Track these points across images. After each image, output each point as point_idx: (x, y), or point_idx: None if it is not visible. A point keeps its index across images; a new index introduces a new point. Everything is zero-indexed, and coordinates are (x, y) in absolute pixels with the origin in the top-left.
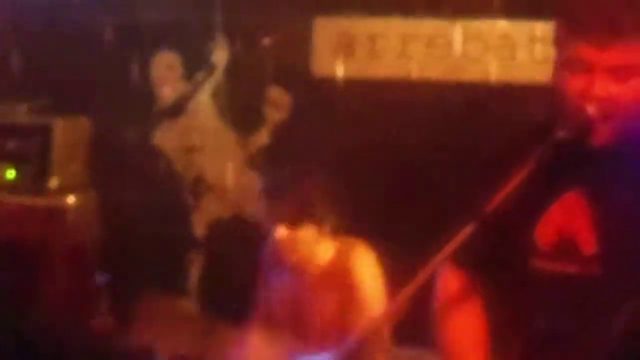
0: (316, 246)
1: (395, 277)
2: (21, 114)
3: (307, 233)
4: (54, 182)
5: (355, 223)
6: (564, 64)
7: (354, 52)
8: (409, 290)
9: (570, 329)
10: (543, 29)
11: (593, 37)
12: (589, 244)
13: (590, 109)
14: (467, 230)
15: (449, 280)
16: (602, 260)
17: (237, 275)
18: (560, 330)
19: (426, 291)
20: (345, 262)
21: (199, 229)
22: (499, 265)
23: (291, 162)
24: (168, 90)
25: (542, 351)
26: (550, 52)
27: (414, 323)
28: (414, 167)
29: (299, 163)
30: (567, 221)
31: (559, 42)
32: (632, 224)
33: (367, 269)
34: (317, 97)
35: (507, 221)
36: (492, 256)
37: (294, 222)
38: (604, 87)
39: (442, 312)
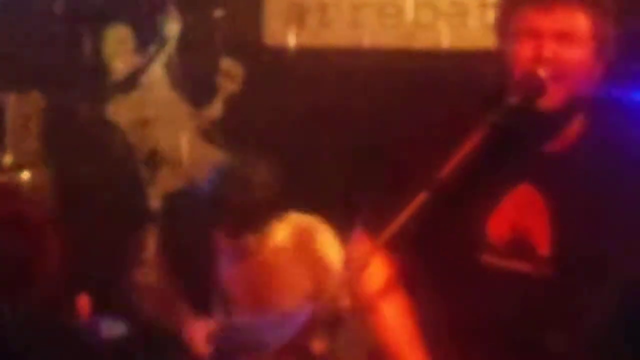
0: (269, 231)
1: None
2: None
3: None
4: (7, 159)
5: (307, 194)
6: (512, 32)
7: (305, 21)
8: (362, 258)
9: (515, 328)
10: None
11: (539, 2)
12: (543, 244)
13: (541, 72)
14: (418, 200)
15: (377, 266)
16: (557, 262)
17: (193, 246)
18: (503, 329)
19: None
20: (308, 240)
21: (155, 201)
22: (443, 253)
23: (243, 136)
24: (120, 64)
25: (482, 351)
26: None
27: None
28: (365, 136)
29: (248, 152)
30: (521, 216)
31: (505, 9)
32: (588, 226)
33: (329, 243)
34: (270, 67)
35: (457, 206)
36: (435, 242)
37: (241, 227)
38: (553, 50)
39: (370, 298)
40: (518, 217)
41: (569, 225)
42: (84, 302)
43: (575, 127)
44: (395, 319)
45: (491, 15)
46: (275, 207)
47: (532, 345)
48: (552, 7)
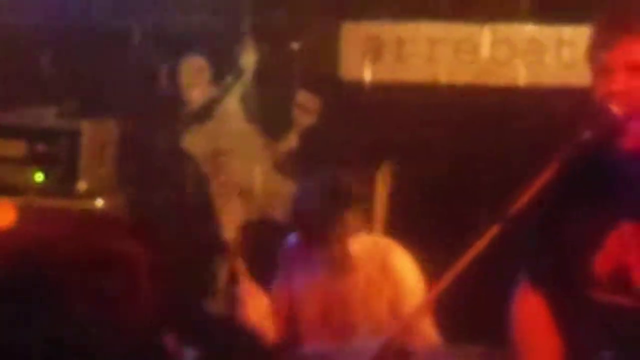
0: (350, 245)
1: (426, 275)
2: (50, 117)
3: (343, 242)
4: (82, 186)
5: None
6: (593, 72)
7: (382, 56)
8: (441, 285)
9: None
10: (570, 32)
11: (605, 37)
12: None
13: (614, 108)
14: (493, 231)
15: (528, 300)
16: None
17: (266, 278)
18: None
19: (458, 287)
20: (385, 262)
21: (229, 232)
22: (562, 291)
23: (320, 167)
24: (196, 94)
25: None
26: (578, 55)
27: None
28: (442, 170)
29: (333, 166)
30: (623, 253)
31: (592, 52)
32: None
33: (407, 266)
34: (346, 101)
35: (559, 240)
36: (559, 279)
37: (327, 230)
38: (623, 83)
39: (522, 331)
40: (620, 252)
41: None
42: (172, 341)
43: None
44: (538, 328)
45: (567, 53)
46: (359, 221)
47: None
48: (620, 39)
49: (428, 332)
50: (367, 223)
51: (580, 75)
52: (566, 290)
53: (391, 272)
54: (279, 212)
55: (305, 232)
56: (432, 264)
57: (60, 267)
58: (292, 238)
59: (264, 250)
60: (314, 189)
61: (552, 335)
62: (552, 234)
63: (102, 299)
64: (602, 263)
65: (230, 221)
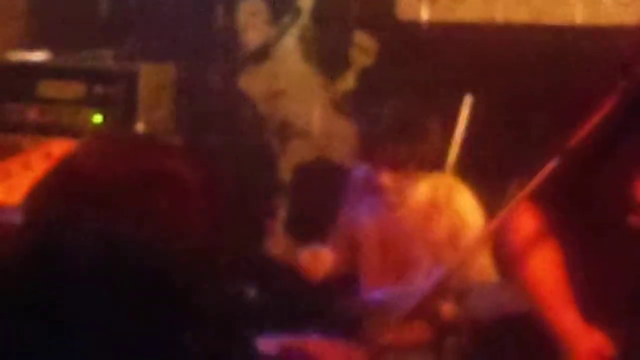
0: (416, 185)
1: (487, 210)
2: (108, 59)
3: (410, 177)
4: (140, 127)
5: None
6: None
7: None
8: (498, 220)
9: None
10: None
11: None
12: None
13: None
14: (551, 165)
15: (526, 219)
16: None
17: (323, 217)
18: None
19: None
20: (448, 199)
21: (285, 173)
22: (594, 212)
23: (378, 106)
24: (254, 35)
25: (631, 313)
26: None
27: None
28: (500, 108)
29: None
30: None
31: None
32: None
33: (468, 204)
34: (402, 41)
35: (608, 169)
36: (586, 201)
37: (399, 164)
38: None
39: (518, 252)
40: None
41: None
42: None
43: None
44: (546, 271)
45: None
46: (429, 155)
47: None
48: None
49: (485, 266)
50: (437, 159)
51: (636, 14)
52: (607, 218)
53: (453, 210)
54: (337, 153)
55: (375, 162)
56: (495, 204)
57: (117, 188)
58: (360, 168)
59: (320, 191)
60: (387, 120)
61: (561, 266)
62: (596, 168)
63: (157, 218)
64: None
65: (287, 162)
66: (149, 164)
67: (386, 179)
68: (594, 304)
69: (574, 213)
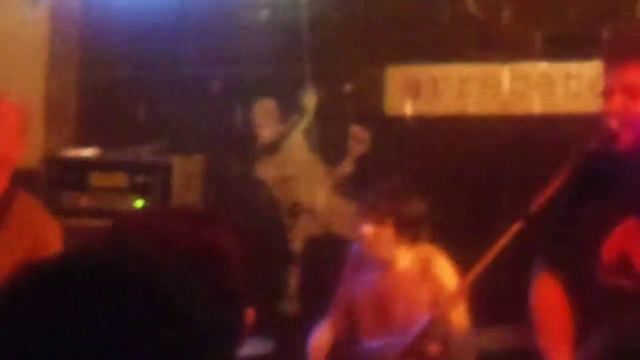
0: (397, 247)
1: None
2: (147, 153)
3: (388, 231)
4: None
5: (430, 233)
6: (602, 97)
7: (420, 93)
8: (471, 277)
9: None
10: (576, 68)
11: (606, 67)
12: None
13: (612, 122)
14: (515, 228)
15: (546, 284)
16: None
17: (330, 282)
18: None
19: (486, 277)
20: (428, 266)
21: (296, 245)
22: (575, 275)
23: (371, 188)
24: (267, 131)
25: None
26: (583, 87)
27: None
28: (473, 187)
29: (389, 181)
30: (627, 242)
31: (603, 75)
32: None
33: (446, 269)
34: (391, 132)
35: (571, 232)
36: (573, 266)
37: (379, 220)
38: (621, 103)
39: (541, 312)
40: (625, 242)
41: None
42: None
43: None
44: (554, 313)
45: (574, 85)
46: (421, 226)
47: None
48: (622, 65)
49: (461, 318)
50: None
51: (585, 104)
52: (579, 274)
53: (433, 274)
54: (339, 227)
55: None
56: (469, 264)
57: (177, 259)
58: (357, 245)
59: (327, 260)
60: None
61: (566, 315)
62: (568, 227)
63: (209, 285)
64: (609, 251)
65: (297, 236)
66: (204, 240)
67: (369, 232)
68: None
69: (571, 274)
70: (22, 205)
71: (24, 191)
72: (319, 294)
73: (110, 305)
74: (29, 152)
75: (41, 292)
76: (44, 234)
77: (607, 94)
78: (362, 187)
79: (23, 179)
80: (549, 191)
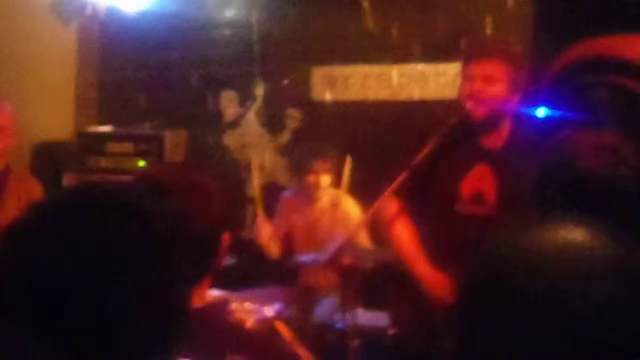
0: (327, 190)
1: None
2: (146, 129)
3: (326, 181)
4: None
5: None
6: (461, 82)
7: (335, 85)
8: (370, 212)
9: (471, 250)
10: (443, 67)
11: (469, 58)
12: (491, 196)
13: (468, 104)
14: (403, 174)
15: (390, 205)
16: (499, 206)
17: (271, 216)
18: (466, 250)
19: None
20: (342, 202)
21: (250, 191)
22: (434, 202)
23: (306, 151)
24: (230, 112)
25: (453, 263)
26: (448, 80)
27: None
28: (372, 149)
29: (317, 146)
30: (480, 181)
31: (462, 66)
32: (514, 186)
33: (352, 206)
34: (316, 113)
35: (440, 177)
36: (430, 195)
37: (318, 171)
38: (477, 87)
39: (387, 225)
40: (478, 182)
41: (505, 186)
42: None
43: (505, 131)
44: (406, 236)
45: (442, 79)
46: (331, 173)
47: None
48: (481, 59)
49: (364, 239)
50: (336, 182)
51: (449, 93)
52: (442, 205)
53: (343, 209)
54: (281, 178)
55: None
56: (365, 200)
57: (176, 192)
58: (287, 191)
59: (271, 200)
60: (306, 152)
61: (416, 237)
62: (434, 174)
63: (194, 209)
64: (466, 188)
65: (253, 184)
66: (193, 178)
67: (310, 188)
68: (437, 258)
69: (420, 203)
70: (15, 178)
71: (12, 169)
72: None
73: (105, 224)
74: (63, 128)
75: (56, 215)
76: (33, 196)
77: (468, 82)
78: (295, 150)
79: (59, 147)
80: (426, 150)
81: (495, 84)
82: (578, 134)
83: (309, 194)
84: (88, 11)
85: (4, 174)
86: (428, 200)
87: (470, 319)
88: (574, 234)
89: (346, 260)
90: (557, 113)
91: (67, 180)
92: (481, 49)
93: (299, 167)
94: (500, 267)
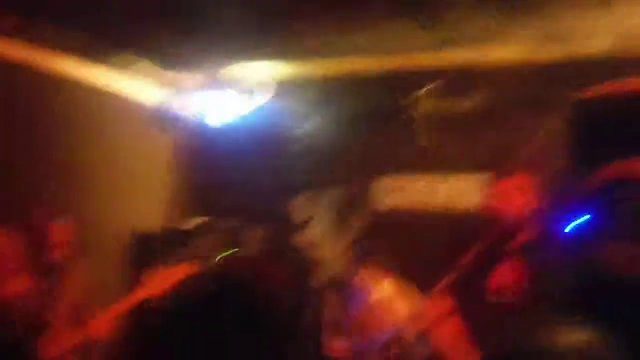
0: (379, 284)
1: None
2: (226, 227)
3: (380, 277)
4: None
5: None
6: (498, 197)
7: (394, 193)
8: (422, 306)
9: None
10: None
11: (501, 175)
12: (514, 290)
13: (506, 217)
14: (452, 274)
15: (440, 302)
16: (524, 296)
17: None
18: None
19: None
20: (395, 294)
21: (316, 284)
22: (471, 297)
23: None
24: (302, 215)
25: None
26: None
27: None
28: (429, 247)
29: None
30: (504, 276)
31: (497, 188)
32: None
33: (406, 299)
34: (379, 218)
35: (475, 274)
36: (468, 291)
37: (372, 271)
38: (513, 200)
39: (434, 322)
40: (502, 276)
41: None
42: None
43: (526, 233)
44: (453, 333)
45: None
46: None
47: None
48: (511, 174)
49: (411, 335)
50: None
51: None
52: (475, 296)
53: (398, 305)
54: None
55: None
56: (422, 292)
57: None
58: (349, 286)
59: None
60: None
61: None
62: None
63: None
64: (494, 281)
65: (317, 279)
66: (265, 271)
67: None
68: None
69: (465, 301)
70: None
71: None
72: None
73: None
74: (157, 221)
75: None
76: None
77: (504, 195)
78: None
79: (152, 239)
80: (471, 255)
81: (526, 193)
82: (612, 244)
83: (363, 286)
84: (183, 122)
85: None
86: (470, 298)
87: None
88: (577, 336)
89: (394, 349)
90: (591, 222)
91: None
92: (510, 166)
93: (356, 263)
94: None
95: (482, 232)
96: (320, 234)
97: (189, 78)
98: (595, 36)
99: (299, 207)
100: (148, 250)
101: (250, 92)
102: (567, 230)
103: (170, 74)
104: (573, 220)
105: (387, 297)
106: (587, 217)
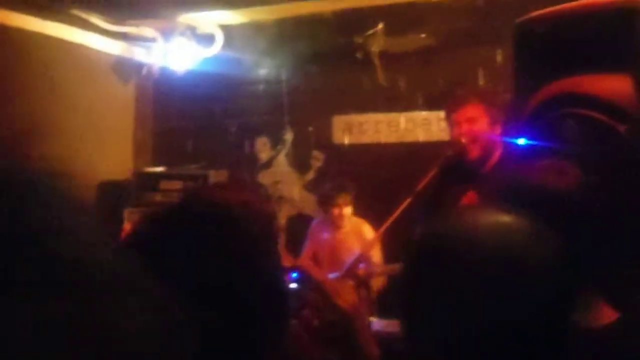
0: (348, 219)
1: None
2: (193, 169)
3: (348, 211)
4: None
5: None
6: (449, 126)
7: (352, 131)
8: (379, 233)
9: None
10: (442, 114)
11: (453, 107)
12: None
13: (462, 139)
14: (405, 202)
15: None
16: None
17: (300, 243)
18: None
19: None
20: (360, 228)
21: (282, 221)
22: None
23: (327, 185)
24: (264, 155)
25: None
26: (443, 126)
27: None
28: (386, 182)
29: (337, 181)
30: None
31: (446, 115)
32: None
33: (368, 230)
34: (336, 154)
35: (439, 203)
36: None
37: (341, 204)
38: (465, 128)
39: None
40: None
41: None
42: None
43: (495, 157)
44: None
45: (442, 124)
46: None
47: None
48: (464, 106)
49: (377, 255)
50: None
51: (448, 135)
52: None
53: (362, 233)
54: (307, 210)
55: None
56: (378, 224)
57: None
58: (316, 220)
59: (300, 228)
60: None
61: None
62: (434, 201)
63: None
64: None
65: (283, 215)
66: (245, 198)
67: (335, 217)
68: None
69: None
70: None
71: None
72: (296, 249)
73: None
74: (123, 169)
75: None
76: None
77: (456, 126)
78: (320, 186)
79: (119, 186)
80: (426, 179)
81: (477, 122)
82: (545, 161)
83: (333, 223)
84: (144, 71)
85: None
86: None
87: (416, 291)
88: (503, 217)
89: (361, 271)
90: (533, 143)
91: (127, 214)
92: (458, 98)
93: (325, 201)
94: (440, 241)
95: (438, 158)
96: (283, 173)
97: (146, 27)
98: None
99: (261, 148)
100: (118, 196)
101: (207, 38)
102: (518, 152)
103: (127, 25)
104: (520, 141)
105: (354, 228)
106: (530, 139)
